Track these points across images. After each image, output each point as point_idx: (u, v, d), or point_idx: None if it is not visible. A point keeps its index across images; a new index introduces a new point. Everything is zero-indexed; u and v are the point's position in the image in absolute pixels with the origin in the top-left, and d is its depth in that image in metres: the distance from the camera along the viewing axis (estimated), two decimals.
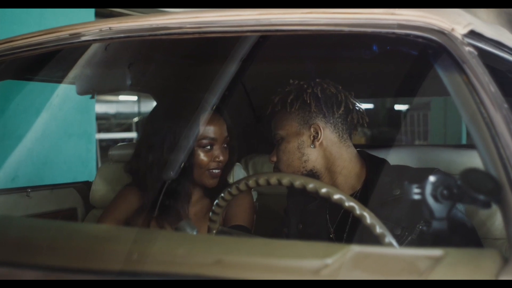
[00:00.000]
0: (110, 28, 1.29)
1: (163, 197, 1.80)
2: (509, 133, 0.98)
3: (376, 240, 1.13)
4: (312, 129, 1.70)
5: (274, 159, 1.76)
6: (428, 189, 0.96)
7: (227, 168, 1.94)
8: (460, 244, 0.92)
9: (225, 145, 1.90)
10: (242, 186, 1.32)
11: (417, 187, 0.98)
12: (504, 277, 0.80)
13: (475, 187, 0.90)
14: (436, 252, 0.86)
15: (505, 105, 1.02)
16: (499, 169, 0.95)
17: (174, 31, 1.23)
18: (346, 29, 1.12)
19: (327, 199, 1.20)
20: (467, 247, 0.90)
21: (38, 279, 0.94)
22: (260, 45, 1.52)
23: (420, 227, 1.54)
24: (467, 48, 1.07)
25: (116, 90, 2.73)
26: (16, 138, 3.30)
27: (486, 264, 0.84)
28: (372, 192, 1.63)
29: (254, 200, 2.02)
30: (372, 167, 1.71)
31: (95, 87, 2.23)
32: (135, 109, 11.89)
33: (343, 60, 2.13)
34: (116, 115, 11.99)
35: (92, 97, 2.29)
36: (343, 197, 1.19)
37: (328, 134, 1.71)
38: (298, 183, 1.24)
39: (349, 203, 1.18)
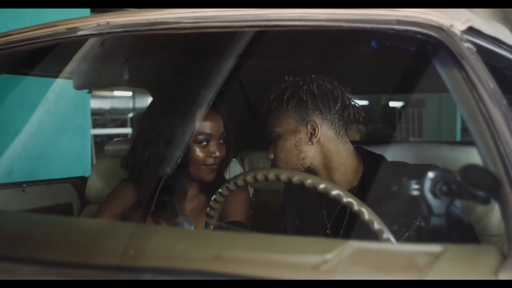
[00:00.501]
0: (107, 22, 1.28)
1: (159, 192, 1.79)
2: (508, 130, 0.98)
3: (373, 236, 1.13)
4: (309, 126, 1.69)
5: (271, 156, 1.76)
6: (427, 185, 0.96)
7: (223, 164, 1.93)
8: (458, 241, 0.92)
9: (222, 141, 1.90)
10: (240, 181, 1.32)
11: (415, 183, 0.98)
12: (503, 273, 0.80)
13: (474, 184, 0.90)
14: (435, 248, 0.86)
15: (504, 102, 1.02)
16: (498, 166, 0.95)
17: (172, 26, 1.22)
18: (345, 24, 1.12)
19: (325, 195, 1.20)
20: (464, 244, 0.90)
21: (34, 273, 0.93)
22: (258, 41, 1.52)
23: (417, 223, 1.54)
24: (466, 45, 1.07)
25: (113, 85, 2.73)
26: (11, 133, 3.28)
27: (486, 260, 0.84)
28: (369, 188, 1.63)
29: (251, 196, 2.02)
30: (370, 163, 1.71)
31: (92, 82, 2.22)
32: (130, 104, 11.89)
33: (341, 56, 2.12)
34: (111, 111, 11.98)
35: (89, 92, 2.28)
36: (341, 192, 1.19)
37: (325, 131, 1.70)
38: (296, 179, 1.24)
39: (347, 199, 1.18)
